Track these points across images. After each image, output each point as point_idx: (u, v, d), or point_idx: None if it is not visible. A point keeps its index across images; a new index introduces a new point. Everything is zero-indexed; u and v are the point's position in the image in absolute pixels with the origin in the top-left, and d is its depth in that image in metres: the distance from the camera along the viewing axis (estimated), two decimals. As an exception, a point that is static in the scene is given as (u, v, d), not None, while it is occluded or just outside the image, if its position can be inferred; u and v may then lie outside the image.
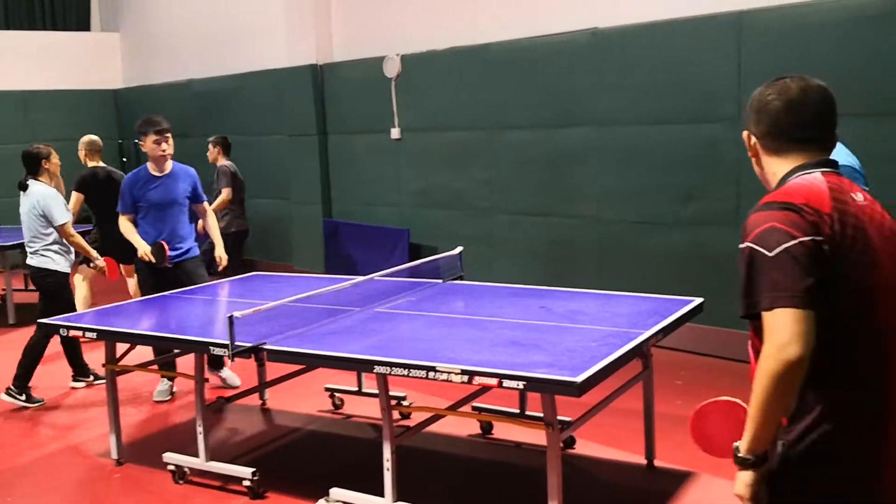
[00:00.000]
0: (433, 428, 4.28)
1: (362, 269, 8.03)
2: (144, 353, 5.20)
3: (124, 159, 12.29)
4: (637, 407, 4.42)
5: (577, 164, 7.07)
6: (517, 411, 4.78)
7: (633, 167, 6.70)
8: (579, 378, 3.15)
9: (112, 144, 11.86)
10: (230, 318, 3.84)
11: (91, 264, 6.49)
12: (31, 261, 5.97)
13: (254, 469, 4.30)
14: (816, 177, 2.02)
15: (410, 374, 3.47)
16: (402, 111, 8.51)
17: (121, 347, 4.77)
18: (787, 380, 1.84)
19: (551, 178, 7.27)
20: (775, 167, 2.12)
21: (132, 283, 7.28)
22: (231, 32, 10.70)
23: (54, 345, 6.02)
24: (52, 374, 6.26)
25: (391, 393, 3.84)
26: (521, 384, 3.25)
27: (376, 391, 3.85)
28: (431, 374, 3.41)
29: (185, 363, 4.93)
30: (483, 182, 7.83)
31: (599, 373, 3.27)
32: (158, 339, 4.54)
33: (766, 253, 1.89)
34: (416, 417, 4.71)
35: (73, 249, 6.07)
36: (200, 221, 6.42)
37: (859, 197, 2.03)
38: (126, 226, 5.78)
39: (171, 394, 5.94)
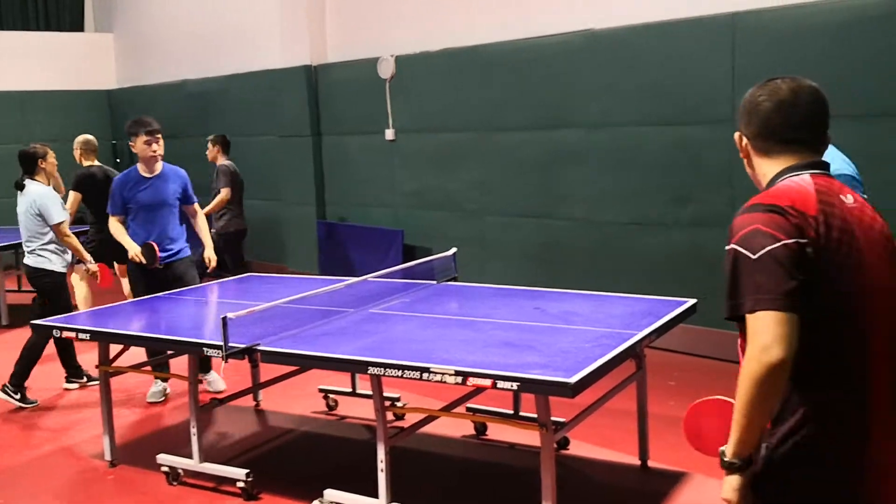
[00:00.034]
0: (427, 429, 4.29)
1: (356, 270, 8.03)
2: (138, 354, 5.19)
3: (118, 160, 12.26)
4: (630, 408, 4.43)
5: (571, 165, 7.07)
6: (511, 412, 4.79)
7: (626, 168, 6.71)
8: (573, 379, 3.16)
9: (106, 145, 11.83)
10: (224, 319, 3.84)
11: (84, 267, 6.48)
12: (28, 260, 5.97)
13: (248, 470, 4.30)
14: (804, 178, 2.02)
15: (404, 375, 3.48)
16: (396, 112, 8.51)
17: (114, 349, 4.76)
18: (770, 382, 1.84)
19: (545, 179, 7.27)
20: (765, 168, 2.11)
21: (126, 283, 7.26)
22: (225, 33, 10.69)
23: (50, 346, 6.01)
24: (46, 375, 6.24)
25: (385, 394, 3.84)
26: (514, 385, 3.26)
27: (370, 392, 3.84)
28: (425, 375, 3.42)
29: (179, 364, 4.92)
30: (477, 183, 7.84)
31: (593, 374, 3.28)
32: (152, 341, 4.55)
33: (750, 255, 1.89)
34: (411, 418, 4.71)
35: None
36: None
37: (849, 199, 2.03)
38: (116, 227, 5.76)
39: (165, 395, 5.93)
